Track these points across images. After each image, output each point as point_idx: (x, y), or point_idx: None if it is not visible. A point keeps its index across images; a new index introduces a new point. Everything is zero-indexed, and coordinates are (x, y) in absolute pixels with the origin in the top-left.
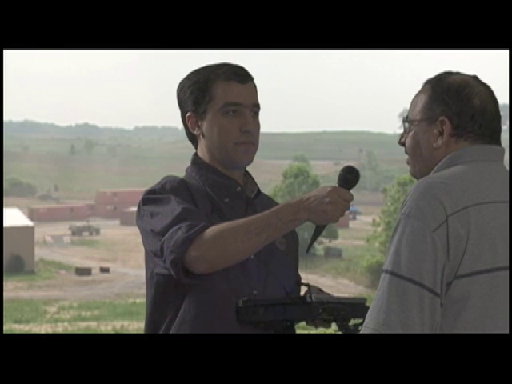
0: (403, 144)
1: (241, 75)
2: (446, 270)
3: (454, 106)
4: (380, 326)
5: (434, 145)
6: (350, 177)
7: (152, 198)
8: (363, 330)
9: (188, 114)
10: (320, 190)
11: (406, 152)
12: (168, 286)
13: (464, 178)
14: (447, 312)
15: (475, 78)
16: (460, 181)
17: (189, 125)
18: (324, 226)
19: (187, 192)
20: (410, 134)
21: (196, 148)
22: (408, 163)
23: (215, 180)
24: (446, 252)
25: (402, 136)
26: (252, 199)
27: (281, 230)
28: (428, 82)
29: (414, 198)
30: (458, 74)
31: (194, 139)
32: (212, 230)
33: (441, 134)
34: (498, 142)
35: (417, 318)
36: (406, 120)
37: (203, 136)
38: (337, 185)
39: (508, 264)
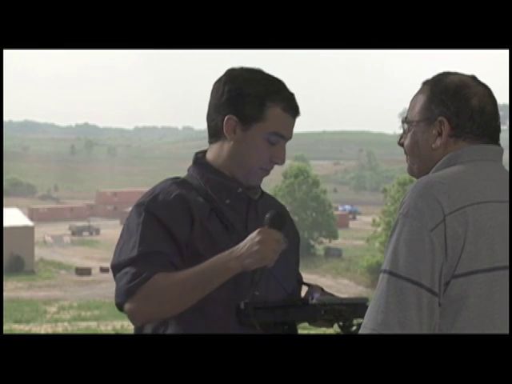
0: (402, 145)
1: (296, 109)
2: (444, 270)
3: (452, 106)
4: (378, 326)
5: (433, 145)
6: (276, 219)
7: (134, 213)
8: (362, 330)
9: (230, 116)
10: (250, 235)
11: (405, 152)
12: None
13: (462, 178)
14: (446, 312)
15: (473, 78)
16: (458, 180)
17: (224, 125)
18: (261, 269)
19: (181, 206)
20: (409, 134)
21: (211, 143)
22: (407, 162)
23: (216, 181)
24: (444, 251)
25: (401, 137)
26: (255, 201)
27: (215, 284)
28: (426, 83)
29: (411, 197)
30: (456, 74)
31: (218, 137)
32: (152, 284)
33: (439, 134)
34: (496, 142)
35: (415, 317)
36: (404, 121)
37: (233, 142)
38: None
39: (507, 264)
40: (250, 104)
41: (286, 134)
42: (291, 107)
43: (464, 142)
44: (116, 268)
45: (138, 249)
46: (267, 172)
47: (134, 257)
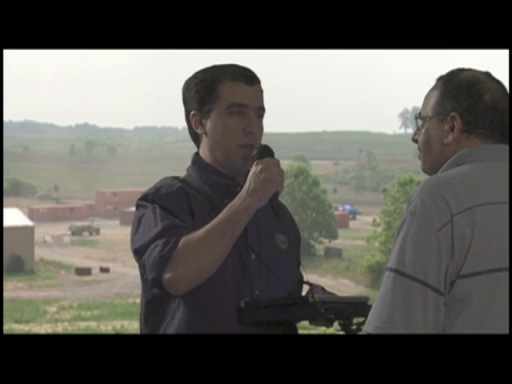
0: (416, 141)
1: (248, 76)
2: (450, 270)
3: (464, 102)
4: (383, 324)
5: (445, 141)
6: (264, 151)
7: (141, 206)
8: (366, 328)
9: (192, 113)
10: (250, 172)
11: (418, 149)
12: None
13: (471, 178)
14: (449, 311)
15: (487, 74)
16: (467, 180)
17: (192, 123)
18: (276, 195)
19: (183, 198)
20: (423, 130)
21: (198, 147)
22: (420, 158)
23: (215, 180)
24: (451, 251)
25: (415, 133)
26: None
27: (239, 223)
28: (440, 79)
29: (420, 196)
30: (470, 70)
31: (196, 138)
32: (183, 245)
33: (451, 130)
34: (508, 138)
35: (420, 317)
36: (418, 117)
37: (206, 135)
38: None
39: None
40: (201, 90)
41: (246, 102)
42: (241, 74)
43: (476, 139)
44: (142, 249)
45: (161, 224)
46: (247, 148)
47: (160, 231)
